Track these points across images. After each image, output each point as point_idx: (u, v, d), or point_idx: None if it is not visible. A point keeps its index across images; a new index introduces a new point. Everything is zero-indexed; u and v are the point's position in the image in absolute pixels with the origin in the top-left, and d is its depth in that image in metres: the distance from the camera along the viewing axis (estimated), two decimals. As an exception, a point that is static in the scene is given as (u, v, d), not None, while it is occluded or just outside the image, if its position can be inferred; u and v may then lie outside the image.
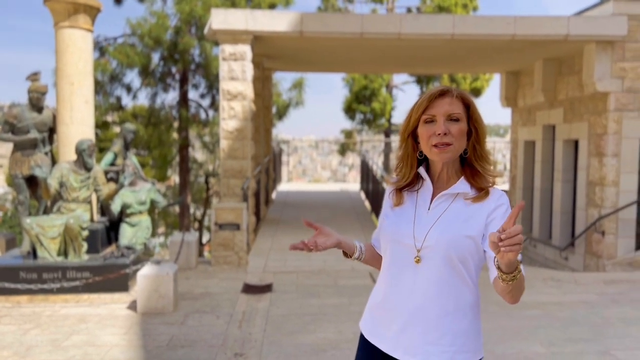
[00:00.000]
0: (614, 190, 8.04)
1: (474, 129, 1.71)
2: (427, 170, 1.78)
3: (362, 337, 1.86)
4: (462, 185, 1.70)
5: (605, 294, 6.08)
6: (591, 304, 5.70)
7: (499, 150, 23.42)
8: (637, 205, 8.11)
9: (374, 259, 1.91)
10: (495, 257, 1.52)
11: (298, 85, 17.89)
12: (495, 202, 1.68)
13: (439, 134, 1.64)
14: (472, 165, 1.72)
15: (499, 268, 1.50)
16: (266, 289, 6.20)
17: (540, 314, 5.32)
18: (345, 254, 1.87)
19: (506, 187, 14.34)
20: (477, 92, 19.14)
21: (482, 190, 1.69)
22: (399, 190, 1.80)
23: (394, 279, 1.74)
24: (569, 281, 6.71)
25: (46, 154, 6.63)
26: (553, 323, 5.03)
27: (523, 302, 5.72)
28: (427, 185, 1.75)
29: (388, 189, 1.86)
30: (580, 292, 6.18)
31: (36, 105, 6.44)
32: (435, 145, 1.66)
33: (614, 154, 8.01)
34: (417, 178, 1.79)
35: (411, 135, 1.75)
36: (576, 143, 9.24)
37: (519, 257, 1.58)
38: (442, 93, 1.68)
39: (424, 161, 1.78)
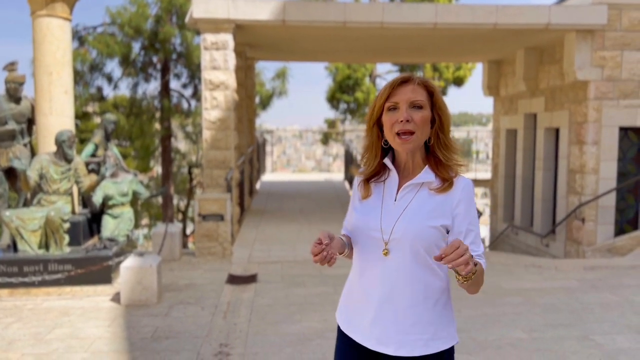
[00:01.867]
0: (594, 178, 8.17)
1: (438, 117, 1.70)
2: (394, 160, 1.78)
3: (339, 327, 1.88)
4: (426, 175, 1.70)
5: (585, 280, 6.19)
6: (571, 290, 5.80)
7: (481, 139, 23.59)
8: (616, 193, 8.25)
9: (352, 252, 1.89)
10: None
11: (281, 75, 17.81)
12: (459, 195, 1.69)
13: (402, 121, 1.64)
14: (435, 154, 1.72)
15: (455, 270, 1.54)
16: (251, 279, 6.20)
17: (522, 300, 5.40)
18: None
19: (488, 175, 14.48)
20: (459, 81, 19.24)
21: (446, 181, 1.69)
22: (367, 181, 1.80)
23: (364, 271, 1.76)
24: (550, 268, 6.82)
25: (25, 145, 6.51)
26: (534, 309, 5.11)
27: (504, 288, 5.81)
28: (393, 175, 1.75)
29: (356, 179, 1.85)
30: (560, 279, 6.29)
31: (14, 95, 6.32)
32: (398, 134, 1.66)
33: (594, 142, 8.12)
34: (384, 168, 1.78)
35: (376, 124, 1.74)
36: (557, 131, 9.35)
37: (482, 260, 1.65)
38: (405, 80, 1.68)
39: (389, 150, 1.77)
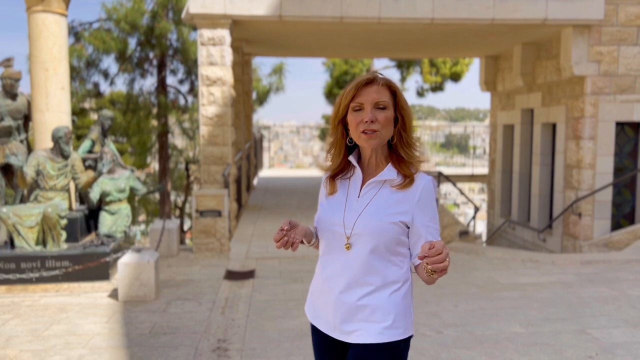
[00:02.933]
0: (591, 173, 8.19)
1: (400, 116, 1.76)
2: (359, 157, 1.85)
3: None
4: (388, 172, 1.77)
5: (581, 275, 6.21)
6: (568, 284, 5.82)
7: (478, 134, 23.63)
8: (612, 187, 8.27)
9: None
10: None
11: (278, 71, 17.77)
12: (420, 192, 1.75)
13: (367, 122, 1.70)
14: (397, 152, 1.78)
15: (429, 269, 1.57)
16: (249, 275, 6.20)
17: (519, 295, 5.42)
18: (301, 241, 1.86)
19: (485, 171, 14.50)
20: (457, 76, 19.24)
21: (407, 177, 1.76)
22: (332, 178, 1.87)
23: (327, 264, 1.84)
24: (547, 262, 6.84)
25: (21, 141, 6.49)
26: (531, 303, 5.13)
27: (502, 283, 5.83)
28: (358, 172, 1.82)
29: (323, 176, 1.92)
30: (557, 273, 6.31)
31: (10, 92, 6.29)
32: (363, 132, 1.72)
33: (590, 137, 8.14)
34: (349, 165, 1.85)
35: (341, 123, 1.81)
36: (554, 127, 9.36)
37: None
38: (369, 81, 1.74)
39: (354, 148, 1.84)
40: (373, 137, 1.72)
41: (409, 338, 1.81)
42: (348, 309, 1.78)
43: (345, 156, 1.83)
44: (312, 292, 1.95)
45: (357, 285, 1.77)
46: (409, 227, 1.76)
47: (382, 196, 1.77)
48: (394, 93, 1.76)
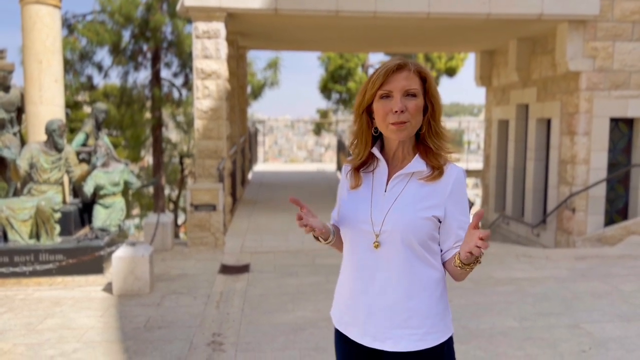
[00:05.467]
0: (585, 168, 8.22)
1: (430, 105, 1.65)
2: (382, 148, 1.73)
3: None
4: (417, 164, 1.65)
5: (575, 270, 6.25)
6: (562, 279, 5.85)
7: (472, 129, 23.65)
8: (606, 183, 8.31)
9: (340, 242, 1.84)
10: (458, 251, 1.58)
11: (273, 65, 17.72)
12: (451, 184, 1.64)
13: (396, 112, 1.58)
14: (425, 142, 1.67)
15: (460, 260, 1.54)
16: (243, 269, 6.20)
17: (513, 289, 5.45)
18: (317, 238, 1.77)
19: (480, 166, 14.53)
20: (452, 71, 19.25)
21: (436, 169, 1.65)
22: (356, 170, 1.74)
23: (355, 265, 1.71)
24: (541, 257, 6.87)
25: (15, 134, 6.45)
26: (525, 298, 5.15)
27: (495, 278, 5.85)
28: (382, 165, 1.70)
29: (345, 168, 1.80)
30: (551, 268, 6.34)
31: (2, 84, 6.24)
32: (392, 123, 1.60)
33: (585, 133, 8.16)
34: (373, 157, 1.72)
35: (366, 111, 1.68)
36: (549, 122, 9.39)
37: None
38: (399, 67, 1.61)
39: (379, 137, 1.72)
40: (402, 129, 1.60)
41: (450, 338, 1.71)
42: (382, 313, 1.65)
43: (371, 146, 1.70)
44: (338, 295, 1.80)
45: (391, 288, 1.64)
46: (440, 222, 1.64)
47: (410, 190, 1.64)
48: (424, 79, 1.64)
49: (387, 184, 1.69)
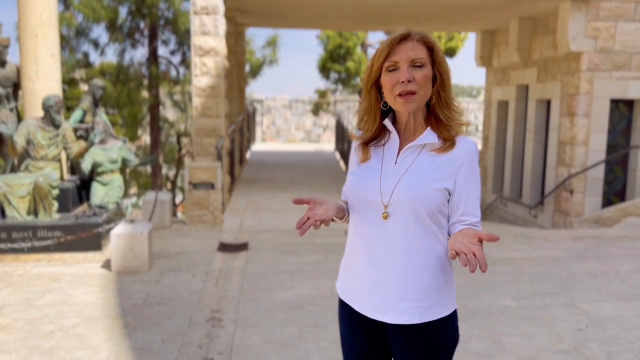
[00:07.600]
0: (584, 150, 8.20)
1: (439, 74, 1.62)
2: (394, 122, 1.71)
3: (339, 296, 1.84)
4: (428, 136, 1.63)
5: (572, 250, 6.27)
6: (559, 259, 5.88)
7: (471, 110, 23.59)
8: (605, 165, 8.31)
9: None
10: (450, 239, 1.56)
11: (272, 43, 17.55)
12: (463, 156, 1.61)
13: (403, 82, 1.56)
14: (436, 113, 1.64)
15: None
16: (242, 247, 6.21)
17: (510, 269, 5.47)
18: (333, 220, 1.71)
19: (479, 147, 14.51)
20: (451, 52, 19.10)
21: (448, 141, 1.62)
22: (366, 144, 1.73)
23: (362, 236, 1.69)
24: (538, 238, 6.89)
25: (11, 110, 6.38)
26: (522, 278, 5.18)
27: (494, 258, 5.87)
28: (394, 137, 1.68)
29: (354, 143, 1.78)
30: (548, 248, 6.36)
31: (-2, 59, 6.16)
32: (399, 95, 1.58)
33: (584, 114, 8.13)
34: (383, 131, 1.71)
35: (374, 86, 1.66)
36: (549, 103, 9.34)
37: (479, 229, 1.66)
38: (404, 38, 1.59)
39: (389, 112, 1.70)
40: (410, 100, 1.58)
41: (454, 313, 1.70)
42: (387, 286, 1.64)
43: (380, 121, 1.68)
44: (344, 266, 1.79)
45: (397, 260, 1.62)
46: (450, 195, 1.62)
47: (421, 161, 1.62)
48: (431, 49, 1.60)
49: (397, 156, 1.67)
